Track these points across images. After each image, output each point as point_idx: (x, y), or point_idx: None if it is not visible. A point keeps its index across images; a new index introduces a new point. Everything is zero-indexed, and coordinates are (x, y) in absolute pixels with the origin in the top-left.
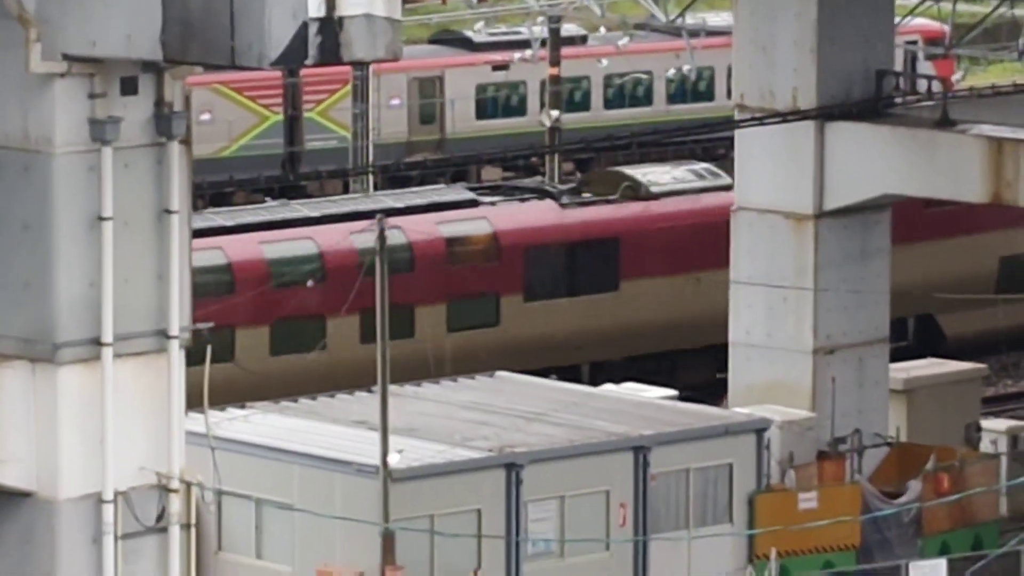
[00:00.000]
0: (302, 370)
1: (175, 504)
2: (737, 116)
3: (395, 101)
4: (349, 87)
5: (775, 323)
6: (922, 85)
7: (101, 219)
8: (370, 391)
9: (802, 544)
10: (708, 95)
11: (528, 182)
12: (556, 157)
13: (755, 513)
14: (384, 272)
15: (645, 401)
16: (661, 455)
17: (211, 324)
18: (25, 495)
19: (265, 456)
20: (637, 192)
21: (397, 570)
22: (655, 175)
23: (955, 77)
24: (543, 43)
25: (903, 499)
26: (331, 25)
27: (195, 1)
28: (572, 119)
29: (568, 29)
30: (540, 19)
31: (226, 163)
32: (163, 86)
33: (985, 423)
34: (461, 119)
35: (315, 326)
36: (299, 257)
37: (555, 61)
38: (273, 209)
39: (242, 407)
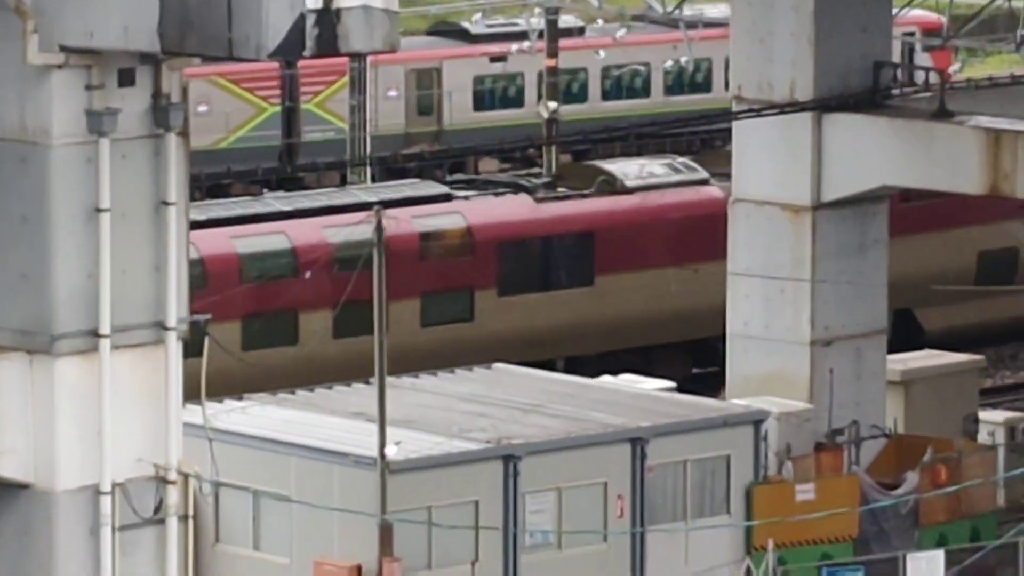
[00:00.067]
0: (273, 365)
1: (173, 496)
2: (735, 108)
3: (392, 93)
4: (346, 79)
5: (773, 315)
6: (920, 76)
7: (99, 211)
8: (368, 383)
9: (799, 536)
10: (706, 87)
11: (502, 176)
12: (554, 149)
13: (752, 505)
14: (382, 264)
15: (642, 393)
16: (658, 447)
17: (209, 316)
18: (22, 487)
19: (263, 448)
20: (612, 186)
21: (395, 561)
22: (630, 169)
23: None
24: (541, 34)
25: (900, 491)
26: (328, 17)
27: None
28: (570, 111)
29: (566, 20)
30: (537, 10)
31: (224, 155)
32: (160, 78)
33: (983, 414)
34: (459, 111)
35: (287, 321)
36: (271, 252)
37: (553, 53)
38: (245, 203)
39: (239, 399)
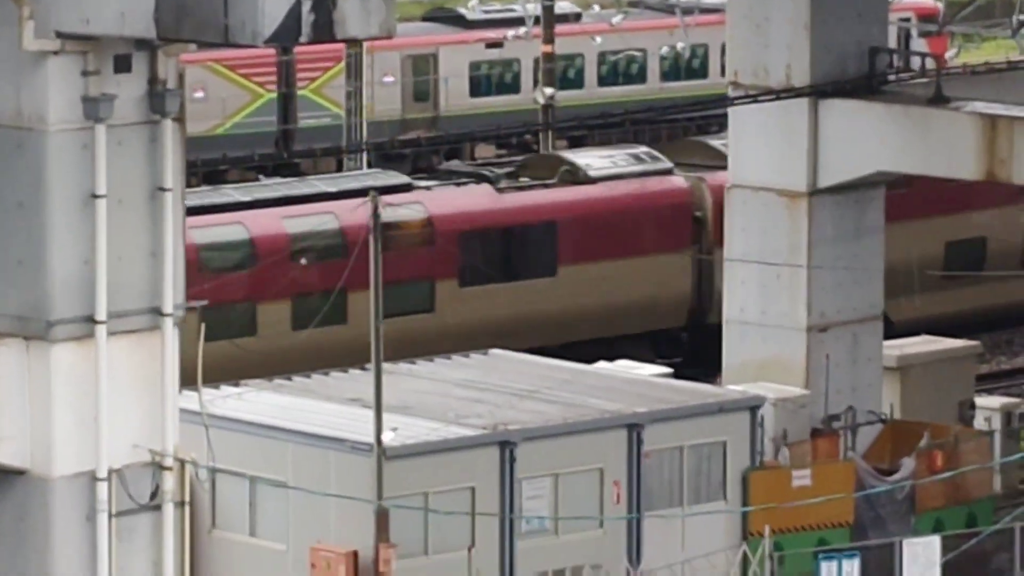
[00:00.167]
0: (232, 357)
1: (169, 482)
2: (731, 93)
3: (388, 79)
4: (343, 65)
5: (769, 300)
6: (916, 62)
7: (95, 197)
8: (364, 369)
9: (796, 521)
10: (702, 72)
11: (465, 166)
12: (550, 134)
13: (749, 490)
14: (378, 251)
15: (639, 378)
16: (655, 432)
17: (206, 301)
18: (19, 473)
19: (259, 434)
20: (575, 176)
21: (391, 547)
22: (594, 159)
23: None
24: (537, 20)
25: (897, 476)
26: (324, 3)
27: None
28: (566, 96)
29: (562, 6)
30: None
31: (220, 141)
32: (156, 64)
33: (979, 400)
34: (455, 97)
35: (245, 312)
36: (229, 243)
37: (549, 39)
38: (204, 194)
39: (236, 385)
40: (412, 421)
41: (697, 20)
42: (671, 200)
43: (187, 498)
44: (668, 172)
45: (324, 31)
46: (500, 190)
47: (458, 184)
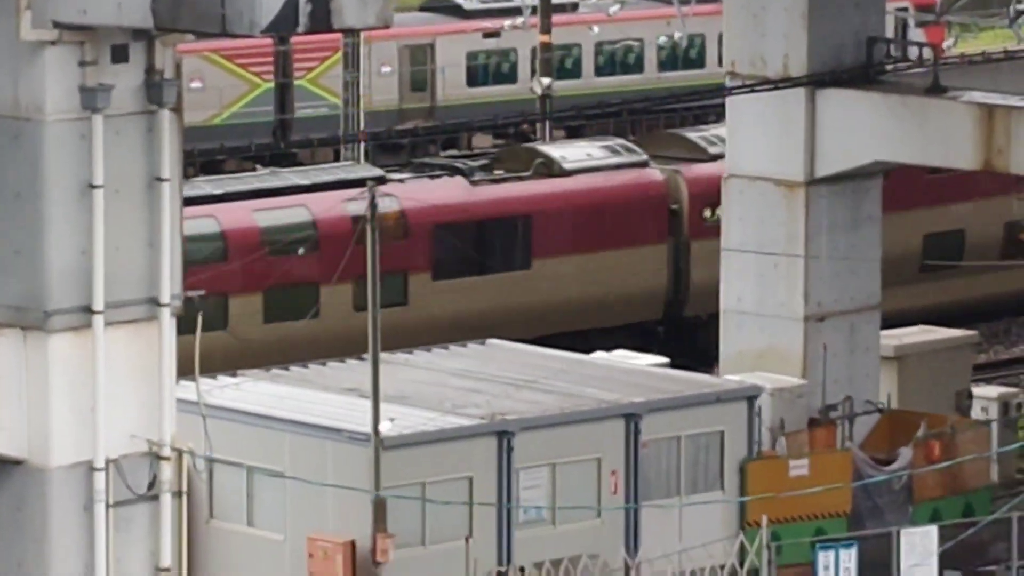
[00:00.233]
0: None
1: (166, 472)
2: (728, 83)
3: (386, 68)
4: (340, 55)
5: (766, 290)
6: (913, 52)
7: (92, 187)
8: (361, 359)
9: (793, 511)
10: (699, 62)
11: (438, 159)
12: (547, 124)
13: (746, 480)
14: (375, 241)
15: (636, 368)
16: (652, 422)
17: (203, 291)
18: (16, 463)
19: (256, 424)
20: (550, 169)
21: (388, 538)
22: (569, 152)
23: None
24: (534, 10)
25: (894, 466)
26: None
27: None
28: (563, 86)
29: None
30: None
31: (217, 131)
32: (154, 54)
33: (976, 390)
34: (452, 87)
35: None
36: (200, 236)
37: (546, 28)
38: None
39: (233, 375)
40: (409, 411)
41: (694, 10)
42: (646, 193)
43: (184, 488)
44: (644, 165)
45: (321, 21)
46: (474, 183)
47: (432, 177)
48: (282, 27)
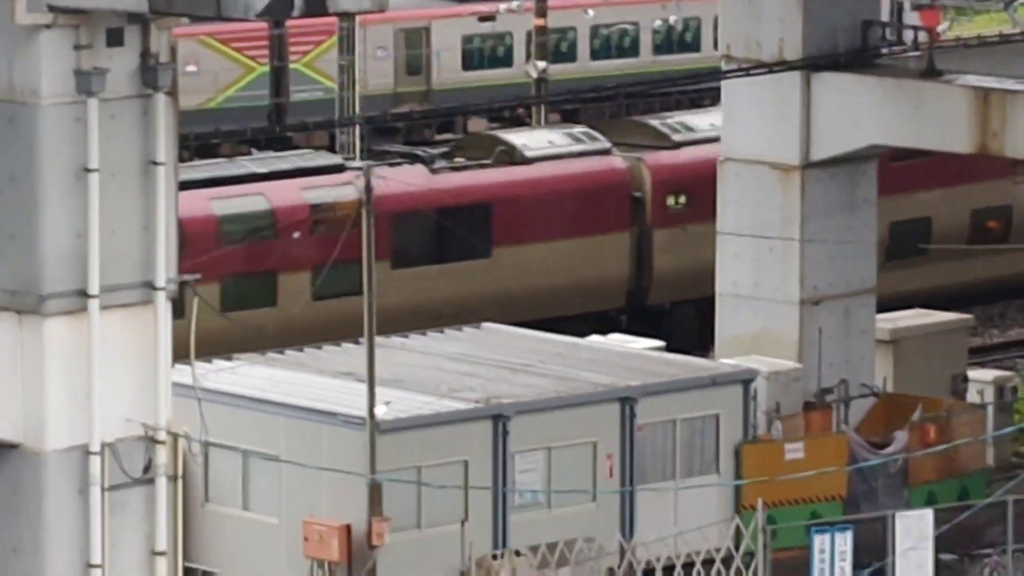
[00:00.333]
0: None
1: (162, 455)
2: (723, 67)
3: (381, 52)
4: (335, 38)
5: (762, 274)
6: (908, 35)
7: (87, 171)
8: (357, 342)
9: (788, 495)
10: (694, 46)
11: (398, 147)
12: (543, 108)
13: (742, 464)
14: (371, 225)
15: (632, 352)
16: (648, 406)
17: (198, 275)
18: (12, 447)
19: (252, 408)
20: (511, 156)
21: (384, 521)
22: (531, 139)
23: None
24: None
25: (889, 449)
26: None
27: None
28: (558, 70)
29: None
30: None
31: (212, 114)
32: (149, 37)
33: (971, 373)
34: (447, 70)
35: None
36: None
37: (541, 12)
38: None
39: (229, 358)
40: (405, 395)
41: None
42: (609, 180)
43: (180, 472)
44: (606, 152)
45: (317, 4)
46: (434, 171)
47: (391, 164)
48: (277, 11)
